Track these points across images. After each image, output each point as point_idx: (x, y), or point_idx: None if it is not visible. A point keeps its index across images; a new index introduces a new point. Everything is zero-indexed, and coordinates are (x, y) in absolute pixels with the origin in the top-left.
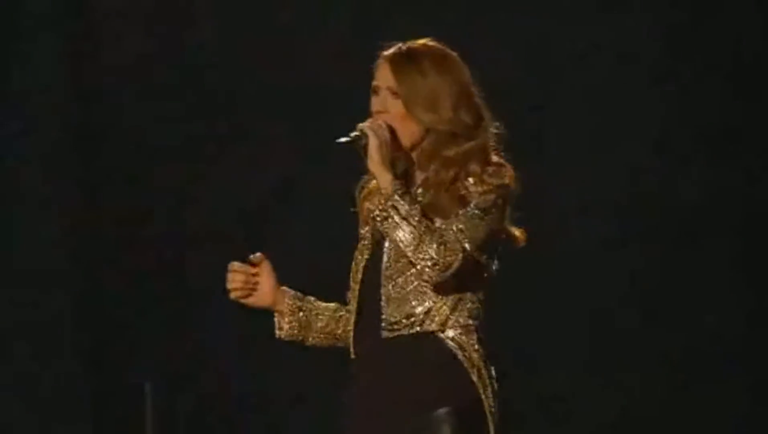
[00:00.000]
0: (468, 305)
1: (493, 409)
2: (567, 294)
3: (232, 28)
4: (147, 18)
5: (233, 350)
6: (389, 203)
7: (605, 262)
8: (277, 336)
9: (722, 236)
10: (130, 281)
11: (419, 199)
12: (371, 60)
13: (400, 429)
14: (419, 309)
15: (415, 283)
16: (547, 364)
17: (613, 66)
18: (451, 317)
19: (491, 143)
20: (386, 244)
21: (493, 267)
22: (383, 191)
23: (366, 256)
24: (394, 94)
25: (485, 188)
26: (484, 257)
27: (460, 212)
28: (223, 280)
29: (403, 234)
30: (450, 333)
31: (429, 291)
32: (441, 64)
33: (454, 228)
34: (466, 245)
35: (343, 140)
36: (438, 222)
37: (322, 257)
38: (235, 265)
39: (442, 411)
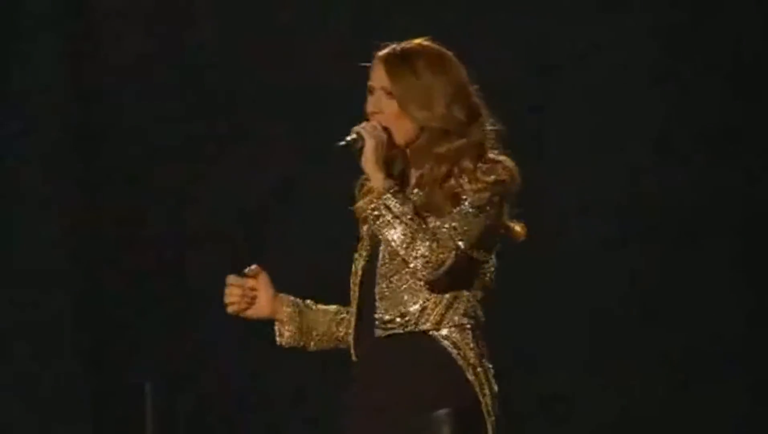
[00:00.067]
0: (464, 304)
1: (490, 409)
2: (567, 294)
3: (232, 28)
4: (147, 18)
5: (233, 350)
6: (381, 203)
7: (605, 262)
8: (278, 344)
9: (722, 236)
10: (130, 281)
11: (414, 198)
12: (371, 60)
13: (398, 428)
14: (413, 308)
15: (410, 282)
16: (547, 364)
17: (613, 66)
18: (446, 316)
19: (488, 141)
20: (382, 243)
21: (492, 265)
22: (375, 191)
23: (364, 256)
24: (389, 94)
25: (479, 185)
26: (481, 253)
27: (455, 210)
28: (224, 280)
29: (396, 233)
30: (444, 331)
31: (423, 290)
32: (435, 63)
33: (447, 226)
34: (460, 243)
35: (340, 144)
36: (432, 220)
37: (322, 257)
38: (232, 279)
39: (441, 412)
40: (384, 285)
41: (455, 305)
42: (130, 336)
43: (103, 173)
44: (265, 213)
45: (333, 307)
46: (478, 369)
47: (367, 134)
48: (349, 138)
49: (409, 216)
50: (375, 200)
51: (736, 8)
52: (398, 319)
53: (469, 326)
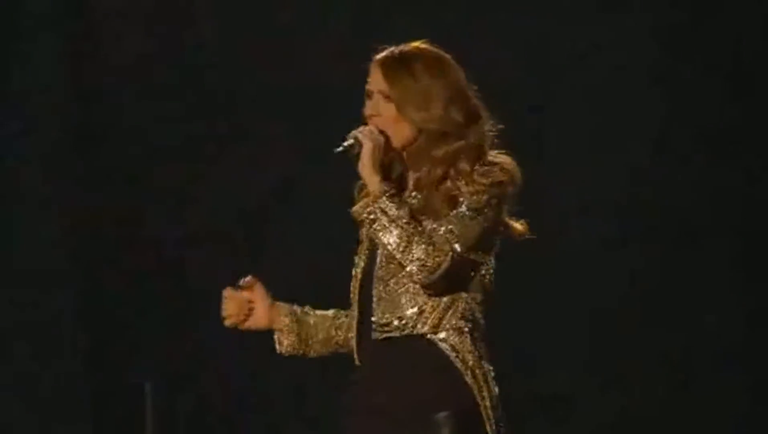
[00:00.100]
0: (462, 307)
1: (490, 412)
2: (567, 294)
3: (232, 28)
4: (147, 18)
5: (233, 350)
6: (378, 206)
7: (605, 262)
8: (278, 352)
9: (722, 236)
10: (130, 281)
11: (411, 201)
12: (371, 61)
13: (398, 431)
14: (410, 311)
15: (407, 285)
16: (547, 364)
17: (613, 66)
18: (443, 319)
19: (487, 142)
20: (380, 247)
21: (491, 267)
22: (371, 194)
23: (364, 259)
24: (386, 97)
25: (476, 187)
26: (479, 255)
27: (452, 213)
28: (224, 280)
29: (391, 237)
30: (442, 335)
31: (421, 293)
32: (433, 66)
33: (444, 229)
34: (456, 246)
35: (337, 150)
36: (429, 224)
37: (321, 257)
38: (228, 292)
39: (442, 414)
40: (381, 288)
41: (453, 308)
42: (130, 336)
43: (103, 173)
44: (265, 213)
45: (330, 312)
46: (477, 372)
47: (364, 138)
48: (346, 143)
49: (405, 220)
50: (371, 204)
51: (736, 8)
52: (395, 322)
53: (467, 329)
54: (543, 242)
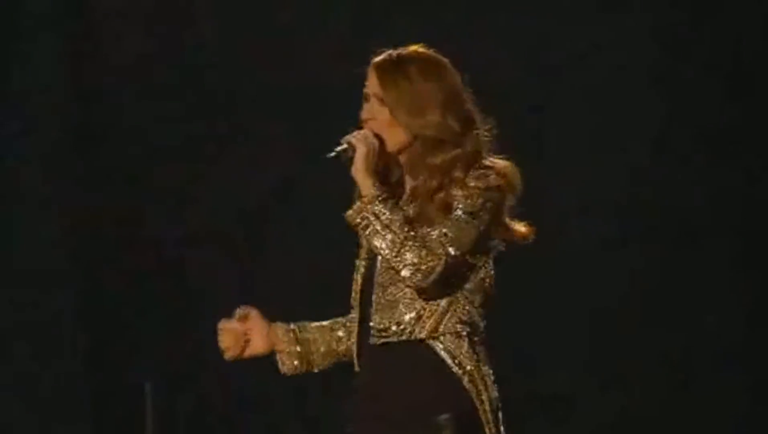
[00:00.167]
0: (459, 311)
1: (489, 415)
2: (567, 294)
3: (232, 28)
4: (147, 18)
5: None
6: (371, 211)
7: (605, 262)
8: (282, 373)
9: (722, 236)
10: (130, 281)
11: (408, 210)
12: (370, 61)
13: None
14: (408, 317)
15: (406, 290)
16: (547, 364)
17: (613, 66)
18: (441, 323)
19: (484, 149)
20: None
21: (491, 270)
22: (364, 198)
23: (363, 264)
24: (381, 101)
25: (471, 191)
26: (476, 257)
27: (447, 218)
28: (223, 280)
29: (384, 241)
30: (440, 339)
31: (419, 299)
32: (428, 70)
33: (437, 233)
34: (450, 249)
35: (329, 155)
36: (424, 228)
37: (321, 257)
38: (223, 324)
39: (442, 416)
40: (381, 294)
41: (451, 312)
42: (130, 336)
43: (103, 173)
44: (265, 213)
45: (327, 323)
46: (475, 376)
47: (357, 142)
48: (339, 148)
49: (397, 224)
50: (364, 208)
51: (736, 8)
52: (393, 328)
53: (465, 333)
54: (543, 242)
